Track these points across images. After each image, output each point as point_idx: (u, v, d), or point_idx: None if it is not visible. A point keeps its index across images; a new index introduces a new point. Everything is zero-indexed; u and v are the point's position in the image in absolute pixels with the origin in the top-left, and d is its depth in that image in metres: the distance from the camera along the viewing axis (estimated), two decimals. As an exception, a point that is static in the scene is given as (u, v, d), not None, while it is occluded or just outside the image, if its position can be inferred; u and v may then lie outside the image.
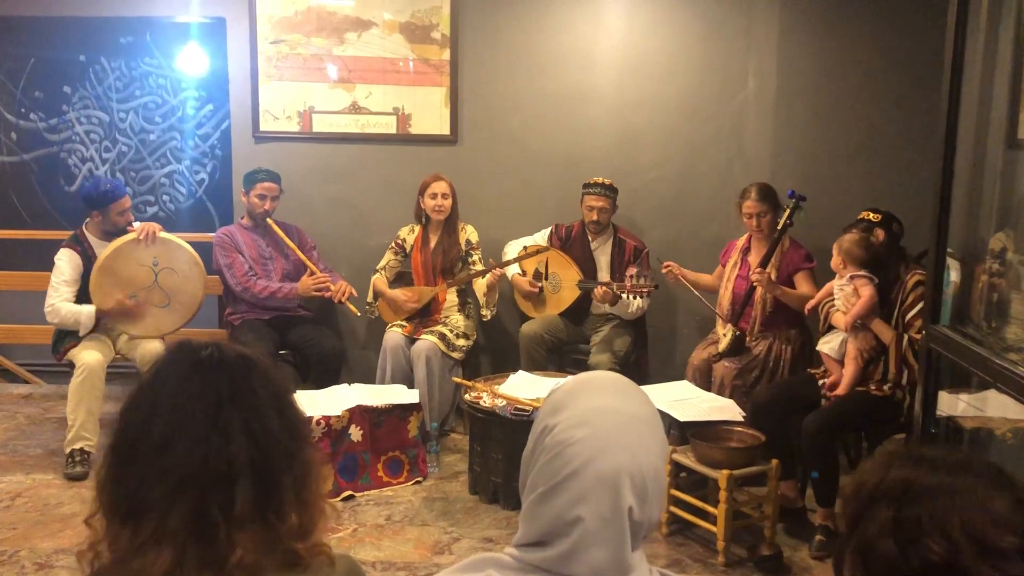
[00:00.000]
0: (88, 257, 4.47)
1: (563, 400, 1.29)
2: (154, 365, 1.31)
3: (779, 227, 4.27)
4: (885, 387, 3.71)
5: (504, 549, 1.28)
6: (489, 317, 4.88)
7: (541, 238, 5.01)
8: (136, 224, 4.56)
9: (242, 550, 1.21)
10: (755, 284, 4.23)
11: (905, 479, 1.13)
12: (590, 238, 4.86)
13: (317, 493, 1.33)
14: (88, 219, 4.57)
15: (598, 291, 4.60)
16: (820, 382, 3.91)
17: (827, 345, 3.91)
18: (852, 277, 3.80)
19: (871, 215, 3.89)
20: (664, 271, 4.61)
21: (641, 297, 4.57)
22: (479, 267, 4.88)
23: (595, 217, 4.75)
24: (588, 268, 4.83)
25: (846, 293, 3.82)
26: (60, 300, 4.38)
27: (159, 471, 1.21)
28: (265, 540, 1.24)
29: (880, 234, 3.80)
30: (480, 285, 4.84)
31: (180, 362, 1.29)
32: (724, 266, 4.63)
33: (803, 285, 4.28)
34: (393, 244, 5.02)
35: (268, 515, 1.25)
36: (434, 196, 4.82)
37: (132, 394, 1.29)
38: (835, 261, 3.88)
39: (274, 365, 1.36)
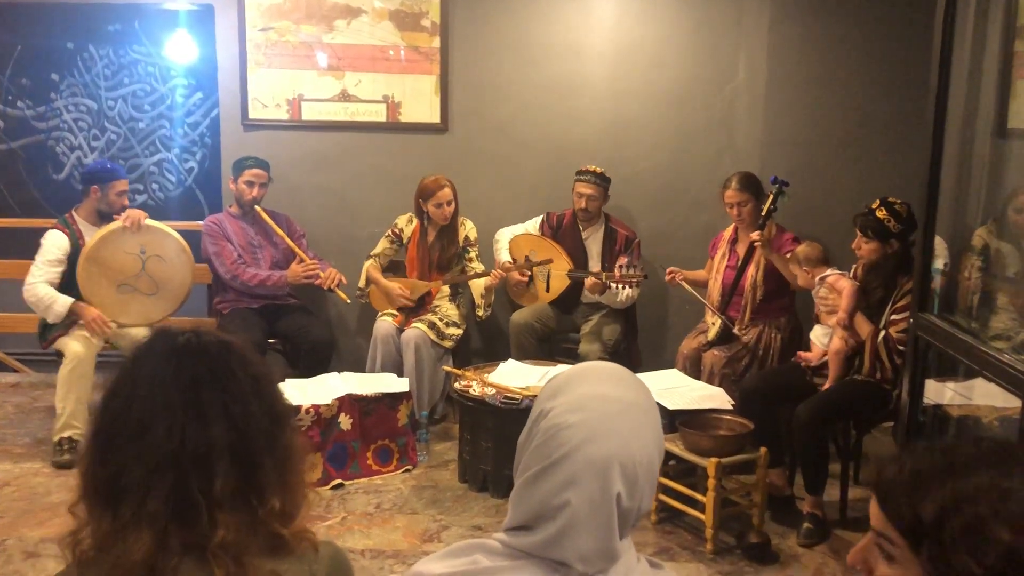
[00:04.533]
0: (76, 239, 4.45)
1: (561, 385, 1.30)
2: (134, 352, 1.31)
3: (763, 213, 4.28)
4: (860, 375, 3.74)
5: (492, 535, 1.29)
6: (484, 317, 4.88)
7: (532, 226, 5.00)
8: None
9: (224, 530, 1.21)
10: (755, 244, 4.23)
11: (991, 483, 1.12)
12: (581, 227, 4.86)
13: (300, 478, 1.34)
14: (78, 204, 4.56)
15: (588, 281, 4.60)
16: (803, 363, 3.95)
17: (814, 335, 3.97)
18: (822, 279, 3.87)
19: (892, 223, 3.63)
20: (667, 279, 4.59)
21: (631, 287, 4.58)
22: (475, 264, 4.88)
23: (583, 205, 4.75)
24: (579, 257, 4.83)
25: (823, 294, 3.88)
26: (40, 281, 4.34)
27: (137, 454, 1.22)
28: (247, 522, 1.24)
29: (895, 245, 3.68)
30: (478, 285, 4.84)
31: (158, 347, 1.29)
32: (713, 258, 4.64)
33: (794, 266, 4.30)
34: (390, 232, 4.99)
35: (250, 497, 1.25)
36: (439, 205, 4.75)
37: (112, 381, 1.29)
38: (803, 279, 3.97)
39: (254, 351, 1.36)
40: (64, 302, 4.32)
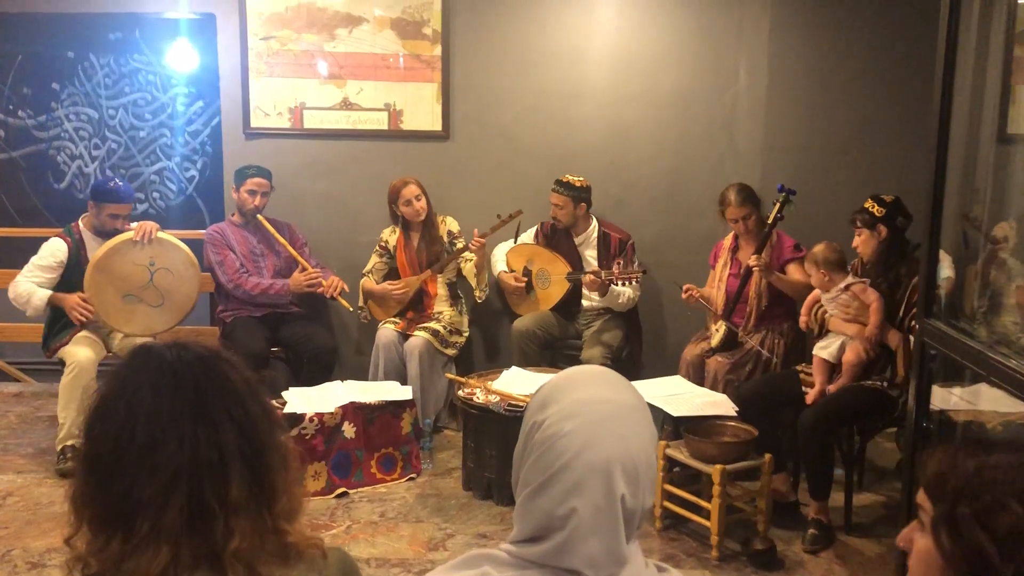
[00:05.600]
0: (77, 248, 4.45)
1: (550, 395, 1.30)
2: (117, 373, 1.30)
3: (769, 221, 4.28)
4: (882, 383, 3.72)
5: (499, 546, 1.28)
6: (483, 298, 4.91)
7: (527, 238, 5.02)
8: (133, 224, 4.52)
9: (239, 538, 1.22)
10: (753, 268, 4.23)
11: (1018, 462, 1.19)
12: (573, 233, 4.86)
13: (297, 475, 1.36)
14: (85, 214, 4.56)
15: (587, 279, 4.59)
16: (804, 390, 3.91)
17: (825, 350, 3.86)
18: (847, 286, 3.78)
19: (875, 208, 3.74)
20: (684, 296, 4.48)
21: (630, 284, 4.57)
22: (466, 254, 4.89)
23: (552, 214, 4.80)
24: (575, 264, 4.84)
25: (843, 301, 3.80)
26: (24, 280, 4.38)
27: (150, 470, 1.21)
28: (259, 529, 1.25)
29: (883, 231, 3.72)
30: (469, 269, 4.85)
31: (147, 364, 1.29)
32: (714, 267, 4.63)
33: (796, 274, 4.29)
34: (377, 247, 5.02)
35: (261, 501, 1.27)
36: (408, 203, 4.81)
37: (99, 404, 1.28)
38: (818, 280, 3.88)
39: (238, 357, 1.37)
40: (42, 295, 4.36)
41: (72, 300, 4.34)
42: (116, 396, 1.27)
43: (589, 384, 1.31)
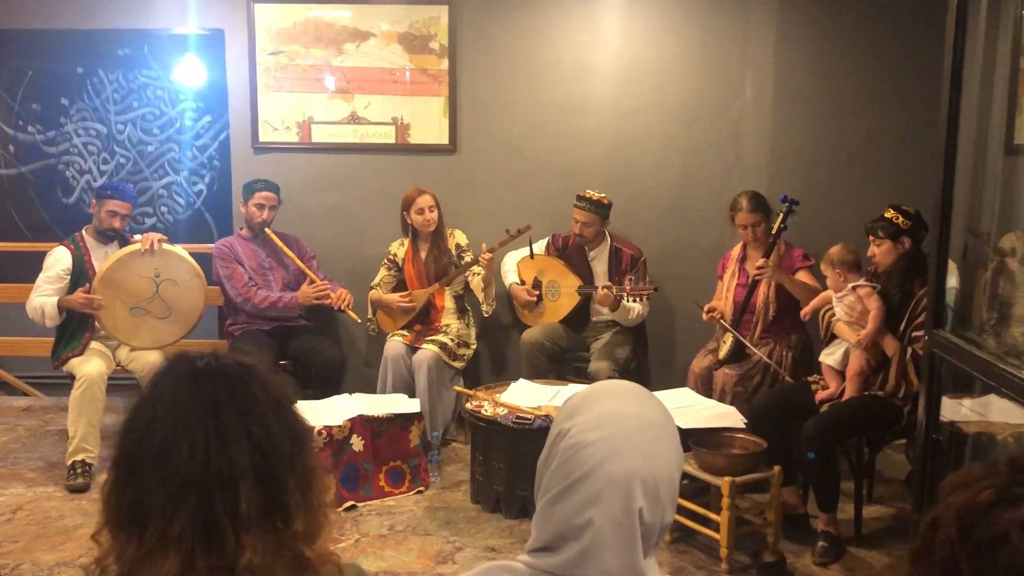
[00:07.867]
0: (80, 256, 4.47)
1: (579, 405, 1.31)
2: (153, 376, 1.32)
3: (773, 231, 4.28)
4: (882, 392, 3.71)
5: (516, 556, 1.29)
6: (490, 312, 4.91)
7: (539, 249, 5.01)
8: (138, 236, 4.54)
9: (251, 553, 1.21)
10: (758, 278, 4.22)
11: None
12: (587, 248, 4.86)
13: (321, 498, 1.34)
14: (88, 224, 4.58)
15: (599, 294, 4.59)
16: (815, 391, 3.90)
17: (830, 357, 3.87)
18: (854, 287, 3.76)
19: (900, 219, 3.69)
20: (706, 318, 4.44)
21: (640, 301, 4.57)
22: (475, 268, 4.89)
23: (578, 231, 4.78)
24: (585, 277, 4.84)
25: (848, 303, 3.78)
26: (35, 295, 4.40)
27: (160, 478, 1.22)
28: (273, 544, 1.25)
29: (907, 243, 3.69)
30: (477, 283, 4.87)
31: (177, 371, 1.30)
32: (722, 278, 4.63)
33: (806, 280, 4.28)
34: (386, 260, 5.04)
35: (275, 518, 1.26)
36: (420, 211, 4.83)
37: (132, 406, 1.30)
38: (833, 280, 3.83)
39: (274, 373, 1.37)
40: (51, 303, 4.37)
41: (77, 298, 4.35)
42: (145, 399, 1.29)
43: (618, 398, 1.31)
